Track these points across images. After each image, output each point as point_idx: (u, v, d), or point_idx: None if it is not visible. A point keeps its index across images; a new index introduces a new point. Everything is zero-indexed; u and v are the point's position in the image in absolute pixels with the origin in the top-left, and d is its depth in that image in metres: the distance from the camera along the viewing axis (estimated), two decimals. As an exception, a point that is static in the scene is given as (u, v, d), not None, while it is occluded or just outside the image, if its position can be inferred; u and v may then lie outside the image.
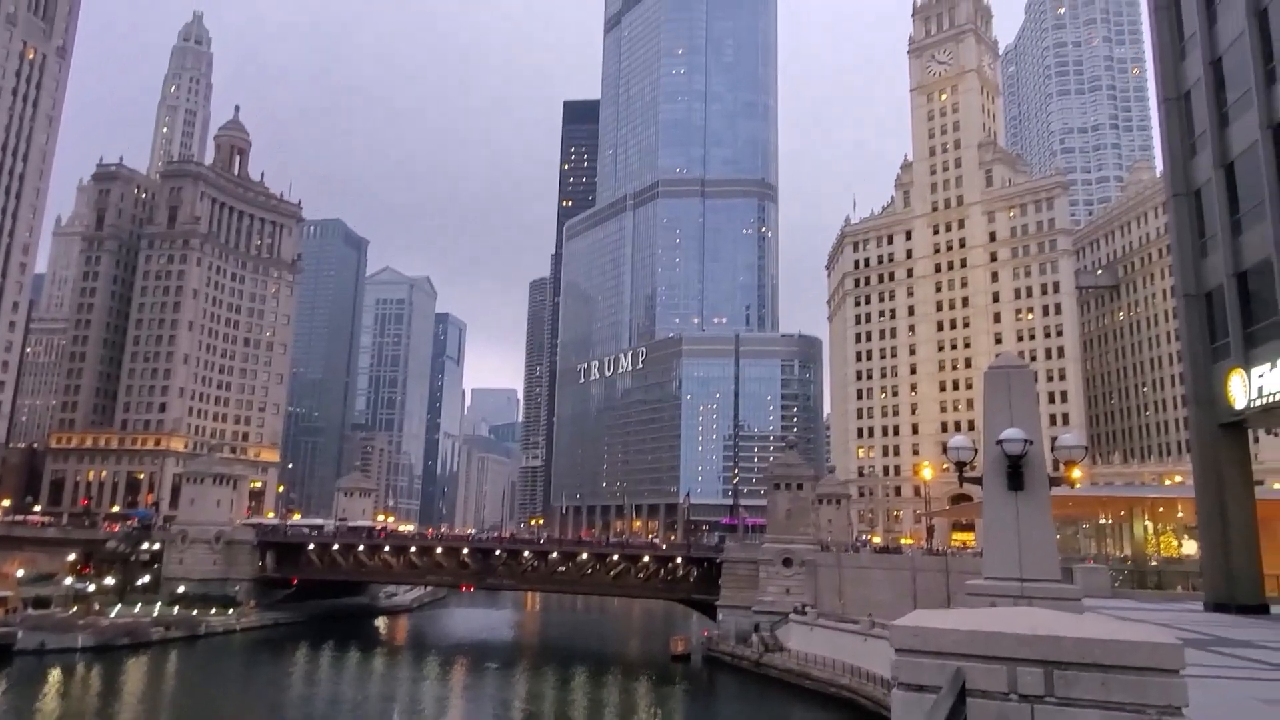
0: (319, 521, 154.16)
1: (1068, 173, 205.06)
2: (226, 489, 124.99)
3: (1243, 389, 28.02)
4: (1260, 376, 27.01)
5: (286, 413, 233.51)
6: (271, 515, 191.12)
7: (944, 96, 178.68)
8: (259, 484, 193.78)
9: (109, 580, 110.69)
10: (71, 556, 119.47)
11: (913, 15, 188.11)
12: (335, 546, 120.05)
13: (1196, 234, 32.72)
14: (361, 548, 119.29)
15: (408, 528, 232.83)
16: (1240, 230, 29.65)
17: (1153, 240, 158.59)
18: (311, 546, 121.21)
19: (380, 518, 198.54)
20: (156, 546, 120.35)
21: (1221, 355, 30.64)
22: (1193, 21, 32.74)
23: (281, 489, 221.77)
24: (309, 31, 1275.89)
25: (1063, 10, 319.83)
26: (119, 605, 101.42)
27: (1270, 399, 26.53)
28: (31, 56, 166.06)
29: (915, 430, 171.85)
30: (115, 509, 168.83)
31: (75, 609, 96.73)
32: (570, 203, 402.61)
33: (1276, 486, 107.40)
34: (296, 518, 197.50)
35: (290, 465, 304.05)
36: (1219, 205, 30.65)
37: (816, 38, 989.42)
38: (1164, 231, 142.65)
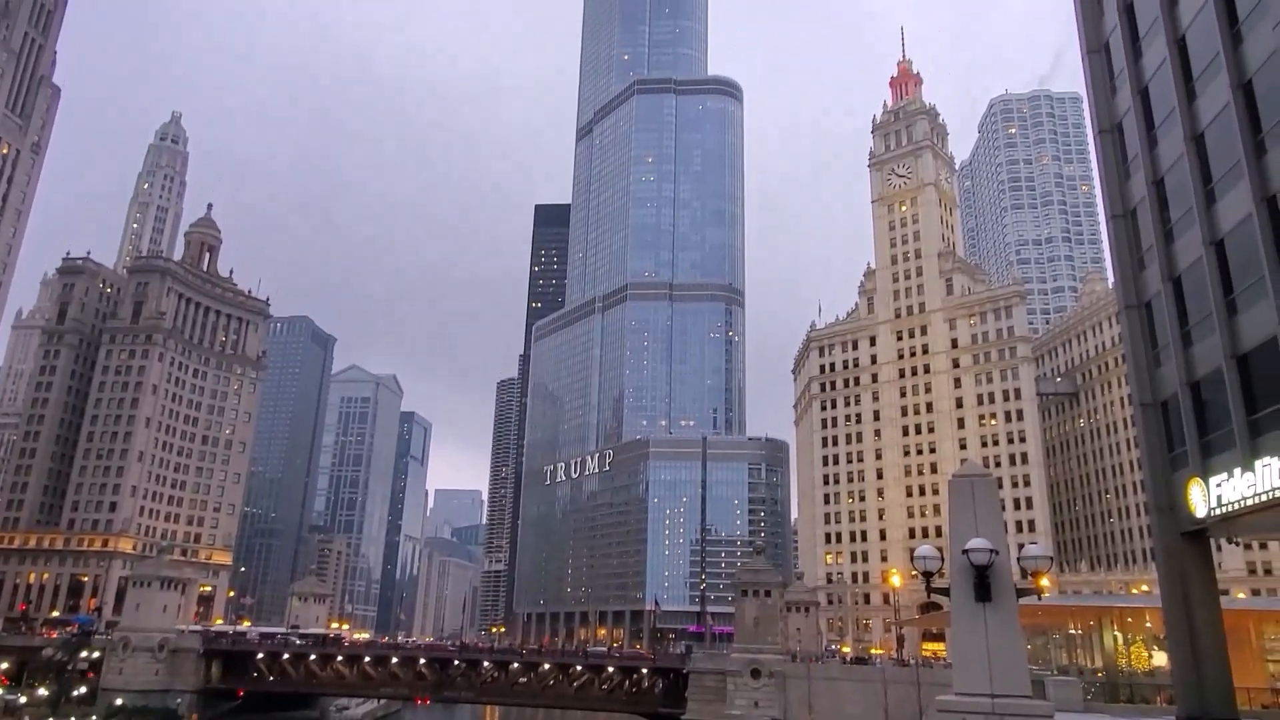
0: (270, 629, 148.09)
1: (1024, 283, 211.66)
2: (174, 593, 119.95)
3: (1203, 498, 28.20)
4: (1218, 486, 27.23)
5: (242, 513, 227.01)
6: (220, 621, 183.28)
7: (904, 208, 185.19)
8: (209, 588, 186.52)
9: (42, 691, 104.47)
10: (4, 665, 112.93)
11: (873, 131, 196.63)
12: (286, 655, 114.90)
13: (1149, 344, 33.53)
14: (313, 657, 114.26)
15: (363, 635, 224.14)
16: (1191, 342, 30.44)
17: (1108, 349, 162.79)
18: (260, 655, 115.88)
19: (335, 625, 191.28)
20: (96, 655, 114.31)
21: (1180, 464, 30.94)
22: (1135, 144, 34.44)
23: (232, 594, 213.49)
24: (288, 129, 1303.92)
25: (1014, 130, 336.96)
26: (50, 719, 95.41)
27: (1230, 508, 26.68)
28: (5, 151, 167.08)
29: (883, 536, 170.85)
30: (55, 614, 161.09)
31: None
32: (539, 304, 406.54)
33: (1241, 596, 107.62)
34: (246, 624, 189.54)
35: (243, 568, 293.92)
36: (1169, 317, 31.54)
37: (781, 149, 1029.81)
38: (1118, 341, 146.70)
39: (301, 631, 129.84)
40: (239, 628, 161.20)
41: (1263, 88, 26.52)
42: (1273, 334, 25.23)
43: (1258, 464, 25.20)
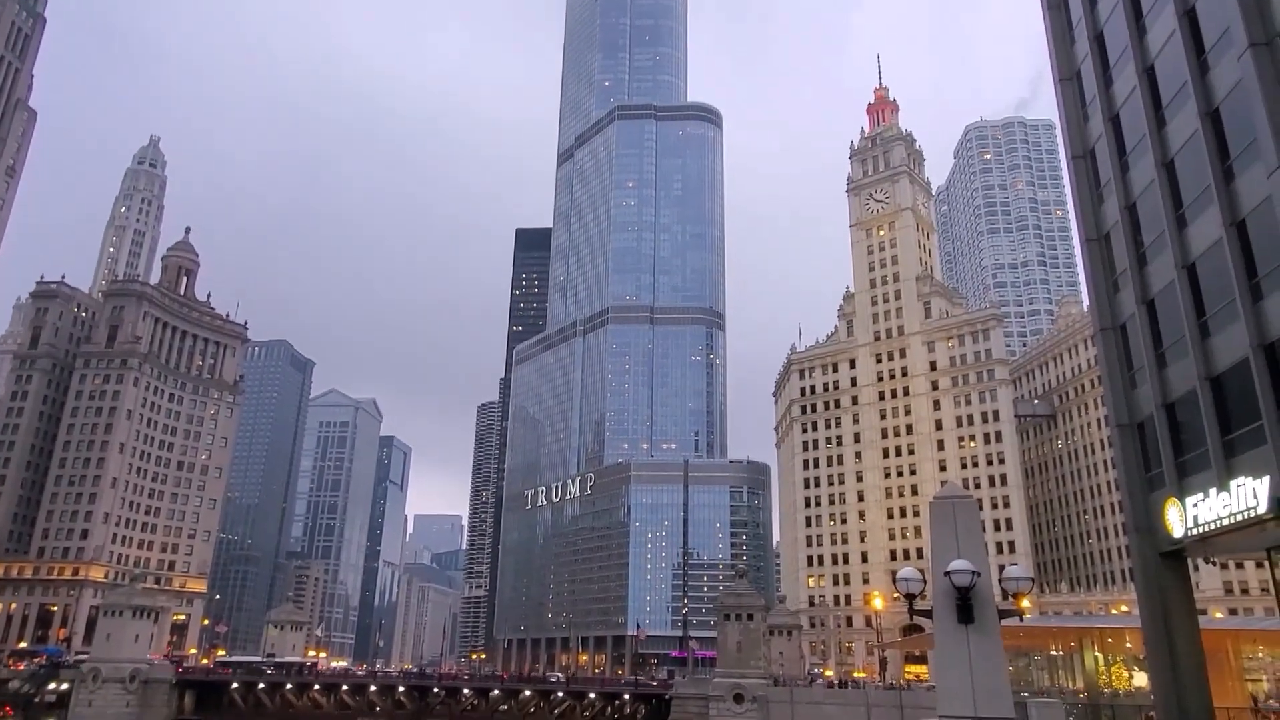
0: (246, 658, 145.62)
1: (1001, 306, 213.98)
2: (147, 623, 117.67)
3: (1180, 519, 28.47)
4: (1195, 506, 27.51)
5: (218, 540, 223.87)
6: (194, 651, 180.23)
7: (882, 232, 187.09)
8: (182, 616, 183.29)
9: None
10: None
11: (851, 157, 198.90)
12: (261, 685, 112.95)
13: (1125, 366, 33.96)
14: (290, 686, 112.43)
15: (341, 663, 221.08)
16: (1165, 364, 30.86)
17: (1084, 371, 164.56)
18: (235, 685, 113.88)
19: (312, 653, 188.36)
20: (65, 687, 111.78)
21: (1157, 484, 31.26)
22: (1107, 170, 35.07)
23: (206, 622, 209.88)
24: (269, 154, 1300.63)
25: (989, 156, 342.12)
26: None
27: (1206, 528, 26.95)
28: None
29: (865, 558, 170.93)
30: (23, 645, 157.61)
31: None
32: (520, 328, 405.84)
33: (1218, 616, 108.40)
34: (221, 654, 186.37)
35: (218, 596, 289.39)
36: (1144, 340, 32.00)
37: (761, 174, 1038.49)
38: (1095, 363, 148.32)
39: (278, 660, 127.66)
40: (214, 657, 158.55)
41: (1230, 115, 27.14)
42: (1245, 356, 25.64)
43: (1233, 484, 25.49)
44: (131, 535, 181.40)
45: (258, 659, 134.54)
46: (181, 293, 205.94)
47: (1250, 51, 25.02)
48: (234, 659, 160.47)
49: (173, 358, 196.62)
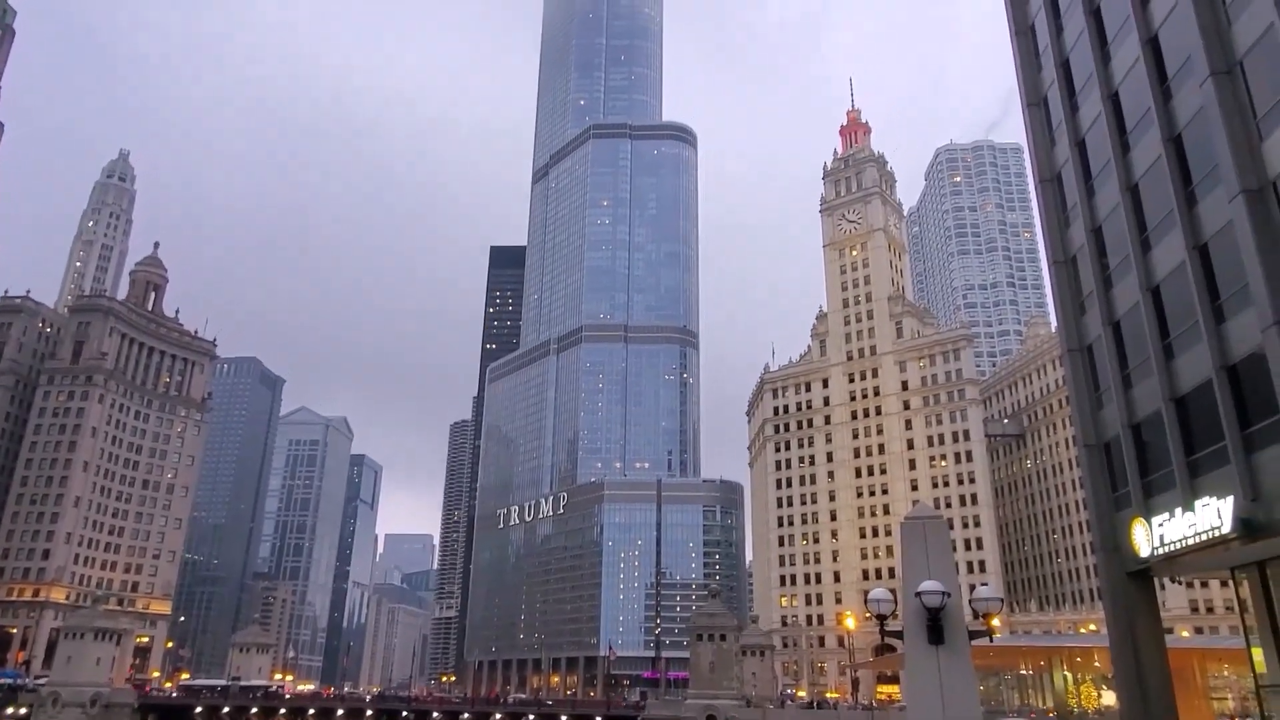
0: (210, 681, 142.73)
1: (971, 326, 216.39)
2: (109, 645, 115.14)
3: (1146, 538, 28.76)
4: (1160, 525, 27.81)
5: (183, 560, 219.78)
6: (157, 674, 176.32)
7: (854, 252, 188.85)
8: (146, 639, 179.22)
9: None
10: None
11: (824, 178, 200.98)
12: (226, 709, 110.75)
13: (1092, 387, 34.39)
14: (255, 710, 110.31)
15: (308, 686, 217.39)
16: (1131, 384, 31.29)
17: (1053, 391, 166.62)
18: (199, 710, 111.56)
19: (279, 676, 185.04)
20: (24, 711, 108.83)
21: (1124, 504, 31.59)
22: (1074, 194, 35.67)
23: (170, 644, 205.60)
24: (240, 171, 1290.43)
25: (959, 179, 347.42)
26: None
27: (1172, 548, 27.25)
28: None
29: (837, 578, 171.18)
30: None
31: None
32: (494, 345, 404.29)
33: (1184, 635, 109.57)
34: (185, 677, 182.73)
35: (182, 618, 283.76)
36: (1110, 361, 32.43)
37: (735, 194, 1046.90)
38: (1062, 383, 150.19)
39: (243, 684, 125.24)
40: (179, 681, 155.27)
41: (1192, 141, 27.71)
42: (1208, 377, 26.06)
43: (1197, 504, 25.81)
44: (94, 555, 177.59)
45: (223, 682, 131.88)
46: (149, 308, 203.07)
47: (1211, 80, 25.60)
48: (198, 682, 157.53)
49: (139, 374, 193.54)
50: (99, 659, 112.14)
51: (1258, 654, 27.17)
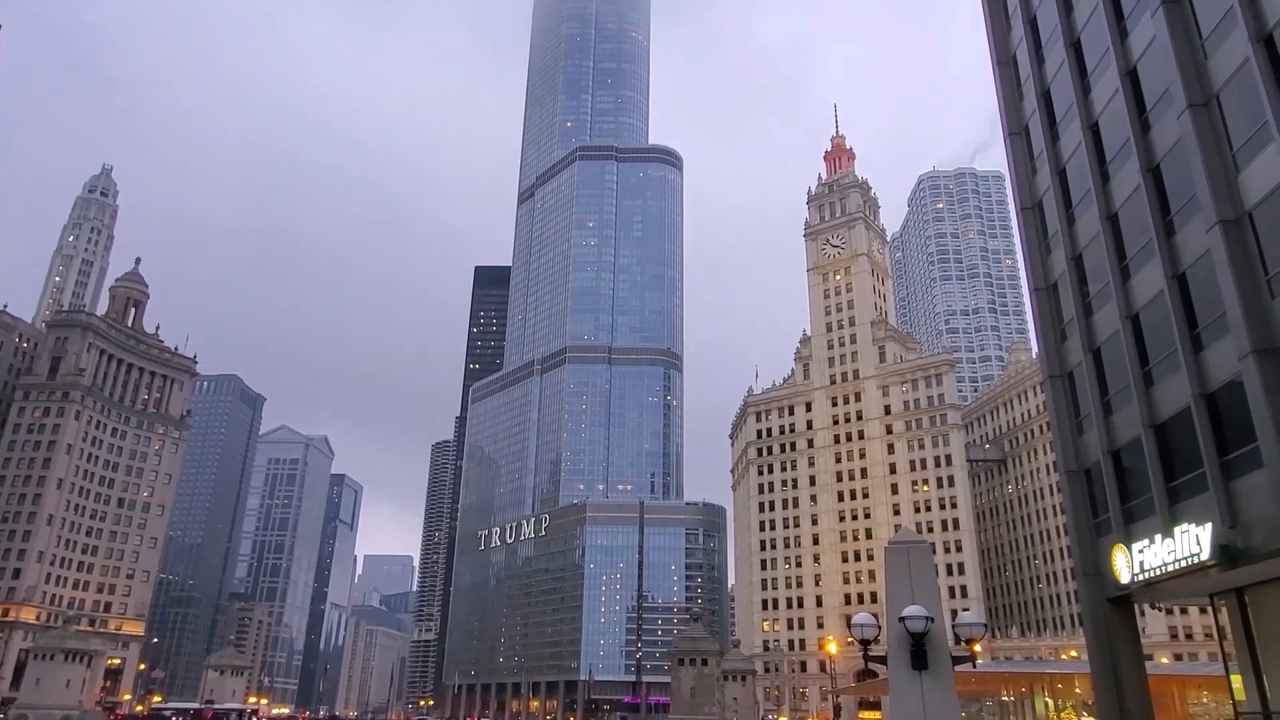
0: (183, 704, 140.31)
1: (953, 351, 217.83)
2: (79, 666, 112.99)
3: (1126, 564, 28.85)
4: (1141, 552, 27.92)
5: (158, 580, 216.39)
6: (128, 696, 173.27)
7: (838, 277, 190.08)
8: (117, 660, 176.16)
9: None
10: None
11: (808, 203, 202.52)
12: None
13: (1072, 413, 34.62)
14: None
15: (283, 710, 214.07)
16: (1111, 411, 31.52)
17: (1034, 417, 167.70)
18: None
19: (253, 699, 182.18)
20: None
21: (1105, 530, 31.72)
22: (1055, 221, 36.09)
23: (142, 666, 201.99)
24: (224, 188, 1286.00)
25: (941, 205, 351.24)
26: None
27: (1152, 574, 27.35)
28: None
29: (819, 603, 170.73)
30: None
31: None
32: (477, 365, 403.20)
33: (1164, 661, 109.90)
34: (157, 700, 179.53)
35: (155, 639, 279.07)
36: (1090, 387, 32.69)
37: (720, 217, 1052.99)
38: (1044, 409, 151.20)
39: (217, 707, 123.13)
40: (150, 704, 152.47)
41: (1170, 172, 28.15)
42: (1187, 404, 26.29)
43: (1177, 530, 25.95)
44: (67, 575, 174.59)
45: (196, 705, 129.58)
46: (129, 324, 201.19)
47: (1189, 112, 26.05)
48: (171, 705, 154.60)
49: (117, 391, 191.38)
50: (69, 681, 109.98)
51: (1236, 681, 27.25)
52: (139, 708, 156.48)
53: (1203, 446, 25.38)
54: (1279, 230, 23.05)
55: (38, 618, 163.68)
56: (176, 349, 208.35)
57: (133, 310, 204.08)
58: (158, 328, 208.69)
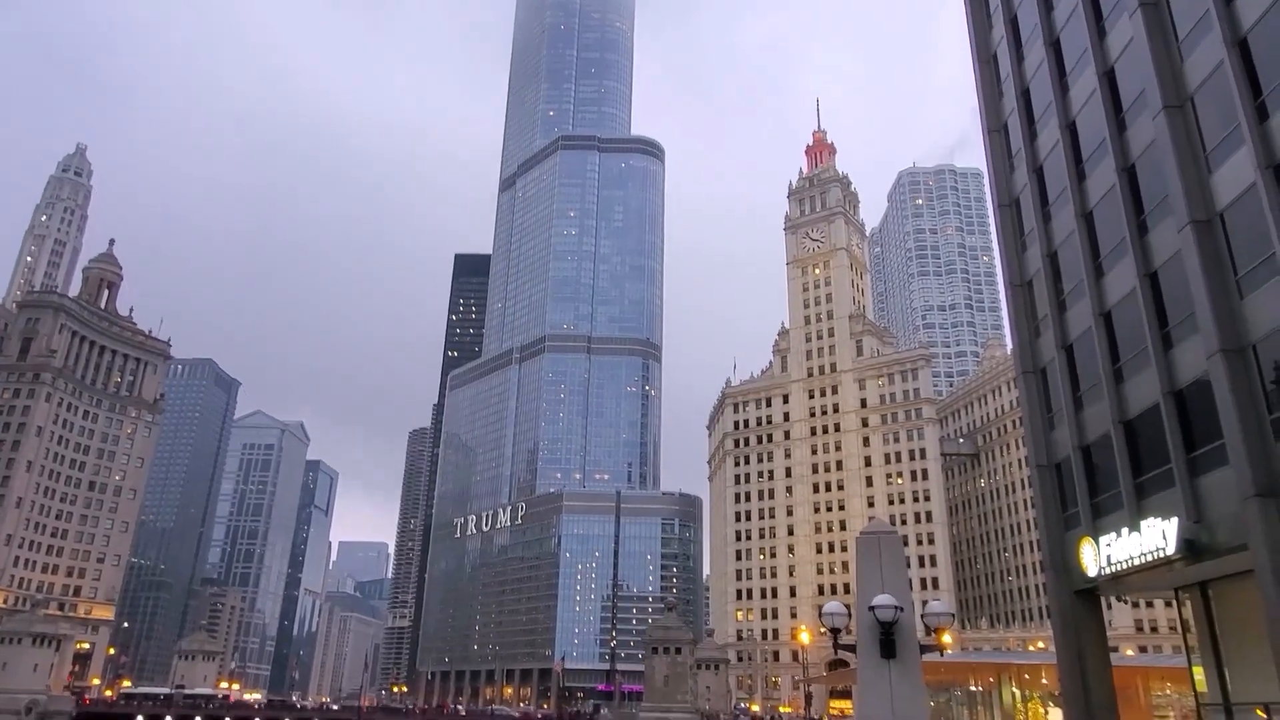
0: (153, 689, 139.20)
1: (930, 346, 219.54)
2: (47, 651, 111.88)
3: (1094, 557, 29.30)
4: (1108, 545, 28.36)
5: (129, 564, 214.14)
6: (97, 681, 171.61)
7: (817, 270, 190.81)
8: (86, 645, 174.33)
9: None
10: None
11: (789, 196, 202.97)
12: (168, 718, 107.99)
13: (1044, 409, 35.07)
14: (199, 719, 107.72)
15: (254, 696, 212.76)
16: (1082, 407, 31.96)
17: (1007, 412, 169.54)
18: (140, 718, 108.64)
19: (225, 685, 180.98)
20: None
21: (1073, 524, 32.19)
22: (1031, 219, 36.47)
23: (112, 651, 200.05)
24: (201, 171, 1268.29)
25: (920, 202, 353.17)
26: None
27: (1119, 567, 27.81)
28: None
29: (793, 593, 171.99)
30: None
31: None
32: (456, 353, 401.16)
33: (1129, 653, 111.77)
34: (127, 685, 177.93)
35: (126, 624, 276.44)
36: (1062, 383, 33.11)
37: (700, 209, 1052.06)
38: (1017, 405, 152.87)
39: (187, 693, 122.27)
40: (120, 689, 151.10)
41: (1144, 172, 28.53)
42: (1156, 401, 26.72)
43: (1144, 525, 26.39)
44: (35, 558, 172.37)
45: (166, 690, 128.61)
46: (102, 306, 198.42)
47: (1164, 113, 26.39)
48: (140, 690, 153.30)
49: (89, 373, 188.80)
50: (36, 665, 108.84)
51: (1199, 673, 27.82)
52: (108, 692, 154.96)
53: (1170, 443, 25.82)
54: (1249, 232, 23.42)
55: (5, 601, 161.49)
56: (150, 332, 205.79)
57: (106, 292, 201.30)
58: (131, 310, 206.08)
